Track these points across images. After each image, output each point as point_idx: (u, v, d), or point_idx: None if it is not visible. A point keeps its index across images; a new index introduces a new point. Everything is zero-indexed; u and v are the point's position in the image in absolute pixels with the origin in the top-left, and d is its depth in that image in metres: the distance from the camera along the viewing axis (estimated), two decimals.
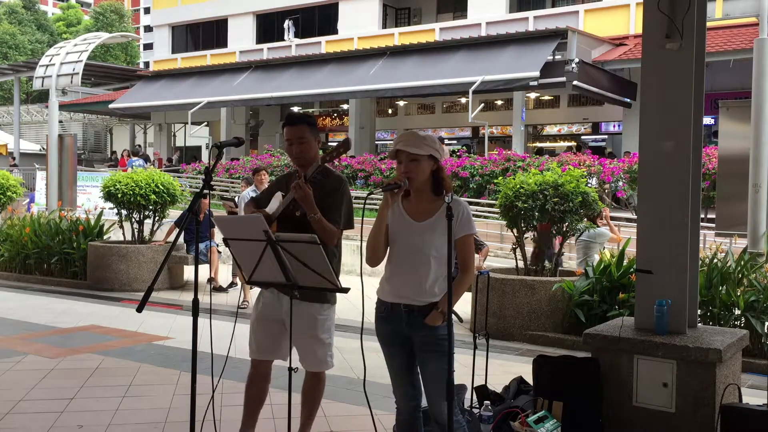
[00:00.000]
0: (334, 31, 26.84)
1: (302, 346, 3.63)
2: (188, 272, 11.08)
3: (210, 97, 22.27)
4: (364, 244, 3.17)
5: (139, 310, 3.02)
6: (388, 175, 16.61)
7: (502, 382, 4.77)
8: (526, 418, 3.95)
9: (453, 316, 3.02)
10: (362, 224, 3.02)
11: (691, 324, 4.32)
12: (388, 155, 3.26)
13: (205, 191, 3.14)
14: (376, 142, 25.37)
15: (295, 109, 27.76)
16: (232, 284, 10.36)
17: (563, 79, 16.85)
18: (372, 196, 3.08)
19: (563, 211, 7.67)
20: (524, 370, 4.88)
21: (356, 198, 16.67)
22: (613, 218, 10.02)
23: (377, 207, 3.24)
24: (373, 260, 3.20)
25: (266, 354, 3.73)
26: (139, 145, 30.98)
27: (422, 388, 3.27)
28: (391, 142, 26.88)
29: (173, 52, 31.78)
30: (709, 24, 5.56)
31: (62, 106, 24.65)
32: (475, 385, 4.44)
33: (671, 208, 4.15)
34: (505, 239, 12.57)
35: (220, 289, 10.28)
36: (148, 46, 50.84)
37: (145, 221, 10.91)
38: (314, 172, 3.53)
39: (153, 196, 10.51)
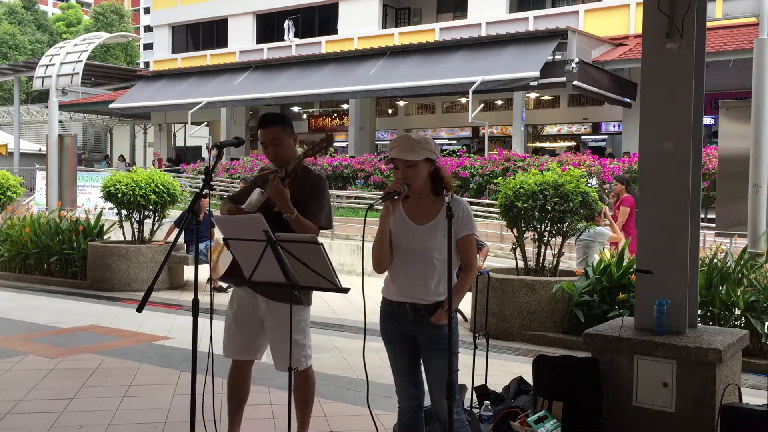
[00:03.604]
0: (334, 31, 26.84)
1: (277, 346, 3.63)
2: (188, 272, 11.07)
3: (210, 97, 22.26)
4: (366, 245, 3.17)
5: (139, 310, 3.02)
6: (388, 175, 16.60)
7: (502, 382, 4.77)
8: (526, 418, 3.95)
9: (458, 315, 3.02)
10: (364, 225, 3.01)
11: (691, 324, 4.32)
12: (384, 161, 3.26)
13: (205, 191, 3.14)
14: (376, 142, 25.35)
15: (295, 109, 27.79)
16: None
17: (563, 79, 16.84)
18: (371, 195, 3.08)
19: (563, 211, 7.67)
20: (524, 370, 4.88)
21: (356, 198, 16.67)
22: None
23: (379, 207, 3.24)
24: (379, 268, 3.21)
25: (247, 354, 3.74)
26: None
27: (425, 387, 3.27)
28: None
29: (173, 52, 31.77)
30: (709, 24, 5.56)
31: (62, 106, 24.64)
32: (475, 385, 4.44)
33: (671, 208, 4.15)
34: (505, 239, 12.56)
35: (220, 289, 10.28)
36: (148, 46, 50.83)
37: (145, 221, 10.91)
38: (292, 169, 3.51)
39: (153, 196, 10.51)
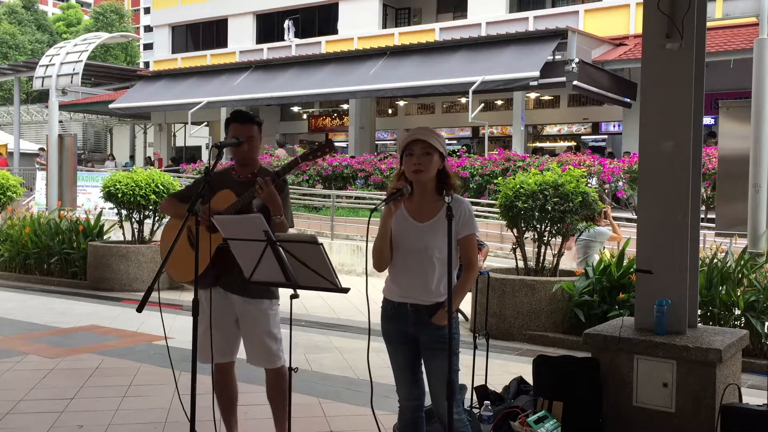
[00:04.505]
0: (334, 31, 26.83)
1: (255, 342, 3.63)
2: None
3: (210, 97, 22.25)
4: (369, 245, 3.18)
5: (139, 310, 3.02)
6: (388, 175, 16.59)
7: (502, 382, 4.77)
8: (526, 418, 3.95)
9: (460, 315, 3.02)
10: (368, 225, 3.01)
11: (691, 324, 4.32)
12: (400, 147, 3.26)
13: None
14: (376, 142, 25.34)
15: (295, 109, 27.76)
16: None
17: (563, 79, 16.83)
18: (371, 195, 3.08)
19: (563, 211, 7.68)
20: (524, 370, 4.88)
21: (356, 198, 16.67)
22: (613, 218, 10.02)
23: (376, 200, 3.24)
24: (379, 266, 3.23)
25: (228, 356, 3.75)
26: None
27: (426, 387, 3.28)
28: (392, 142, 26.76)
29: (173, 52, 31.77)
30: (709, 24, 5.56)
31: (62, 106, 24.62)
32: (475, 385, 4.44)
33: (671, 208, 4.15)
34: (505, 239, 12.56)
35: None
36: (148, 46, 50.81)
37: (145, 221, 10.91)
38: (272, 172, 3.53)
39: (153, 196, 10.51)
